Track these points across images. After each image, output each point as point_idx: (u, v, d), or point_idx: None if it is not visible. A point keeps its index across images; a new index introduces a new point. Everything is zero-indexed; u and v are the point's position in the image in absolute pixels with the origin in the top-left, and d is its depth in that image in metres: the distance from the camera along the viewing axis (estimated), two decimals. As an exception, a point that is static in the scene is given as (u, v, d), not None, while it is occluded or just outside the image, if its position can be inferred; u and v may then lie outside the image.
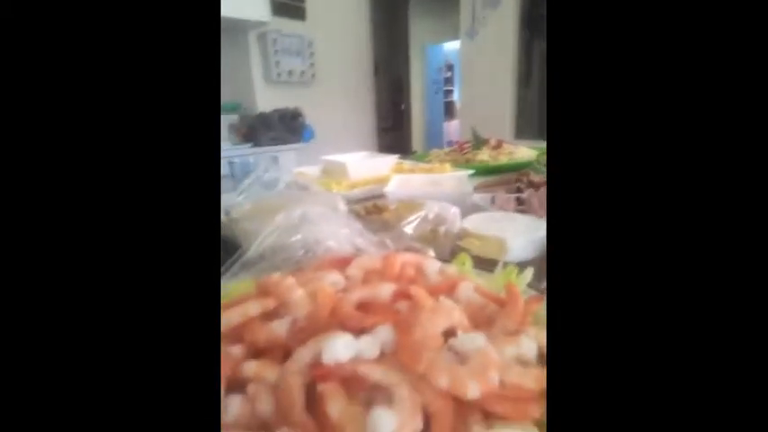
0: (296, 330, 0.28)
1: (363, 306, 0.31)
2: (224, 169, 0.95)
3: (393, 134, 3.69)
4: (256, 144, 2.17)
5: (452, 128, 4.95)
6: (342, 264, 0.38)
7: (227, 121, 2.21)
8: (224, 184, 1.02)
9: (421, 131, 4.39)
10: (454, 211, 0.56)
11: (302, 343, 0.27)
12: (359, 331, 0.28)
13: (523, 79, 2.71)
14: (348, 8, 2.93)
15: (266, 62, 2.51)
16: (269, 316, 0.30)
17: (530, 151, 1.20)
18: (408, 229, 0.49)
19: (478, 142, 1.26)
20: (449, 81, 5.16)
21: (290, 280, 0.31)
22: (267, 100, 2.49)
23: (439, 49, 4.73)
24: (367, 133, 3.27)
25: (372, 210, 0.61)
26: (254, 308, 0.30)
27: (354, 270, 0.38)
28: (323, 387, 0.23)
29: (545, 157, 1.03)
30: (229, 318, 0.29)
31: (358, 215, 0.59)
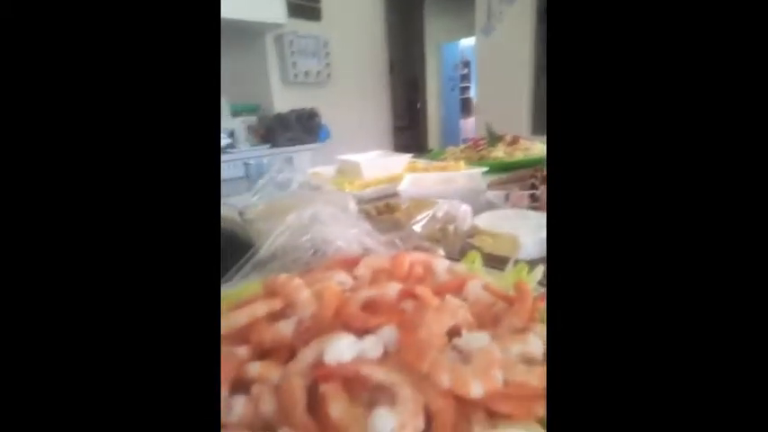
0: (301, 331, 0.29)
1: (369, 306, 0.31)
2: (240, 170, 0.97)
3: (409, 132, 3.68)
4: (274, 145, 2.19)
5: (469, 125, 4.90)
6: (350, 264, 0.38)
7: (245, 122, 2.24)
8: (239, 185, 1.04)
9: (437, 129, 4.36)
10: (465, 208, 0.56)
11: (307, 343, 0.27)
12: (364, 331, 0.28)
13: (540, 75, 2.66)
14: (363, 8, 2.94)
15: (283, 63, 2.54)
16: (276, 316, 0.31)
17: (545, 147, 1.17)
18: (418, 228, 0.49)
19: (493, 139, 1.24)
20: (465, 78, 5.11)
21: (297, 280, 0.32)
22: (284, 101, 2.52)
23: (455, 47, 4.69)
24: (383, 132, 3.27)
25: (384, 209, 0.61)
26: (260, 308, 0.30)
27: (363, 270, 0.38)
28: (325, 388, 0.23)
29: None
30: (236, 318, 0.29)
31: (369, 215, 0.59)
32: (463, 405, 0.23)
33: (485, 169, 0.87)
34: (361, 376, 0.24)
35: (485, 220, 0.57)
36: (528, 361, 0.26)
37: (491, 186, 0.77)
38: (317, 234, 0.41)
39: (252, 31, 2.37)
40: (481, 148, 1.21)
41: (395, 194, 0.74)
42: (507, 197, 0.68)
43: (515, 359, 0.25)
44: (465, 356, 0.25)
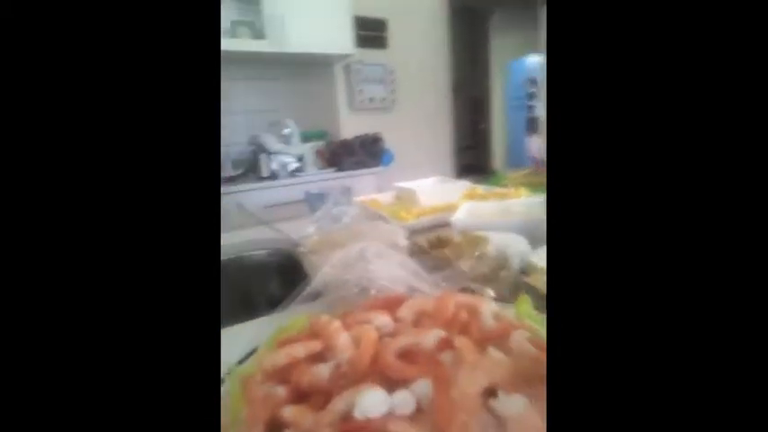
0: (337, 376, 0.29)
1: (407, 354, 0.31)
2: (301, 196, 1.02)
3: (473, 152, 3.63)
4: (340, 169, 2.28)
5: (535, 144, 4.71)
6: (393, 304, 0.38)
7: (313, 148, 2.37)
8: (299, 209, 1.10)
9: (502, 149, 4.25)
10: (520, 243, 0.53)
11: (342, 389, 0.27)
12: (398, 381, 0.27)
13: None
14: (428, 32, 2.99)
15: (350, 91, 2.66)
16: (315, 358, 0.31)
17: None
18: (467, 268, 0.48)
19: (560, 163, 1.18)
20: (532, 96, 4.95)
21: (336, 324, 0.32)
22: (350, 126, 2.62)
23: (521, 64, 4.57)
24: (445, 154, 3.26)
25: (436, 243, 0.60)
26: (300, 350, 0.31)
27: (405, 312, 0.37)
28: (351, 443, 0.23)
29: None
30: (277, 358, 0.31)
31: (421, 249, 0.59)
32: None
33: (544, 198, 0.83)
34: (389, 434, 0.23)
35: (542, 256, 0.54)
36: None
37: (553, 217, 0.73)
38: (362, 272, 0.41)
39: (322, 63, 2.52)
40: (544, 171, 1.16)
41: (448, 224, 0.73)
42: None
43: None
44: (500, 421, 0.24)
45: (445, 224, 0.76)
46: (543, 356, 0.30)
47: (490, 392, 0.25)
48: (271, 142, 1.99)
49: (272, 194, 1.94)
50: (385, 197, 1.10)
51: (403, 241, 0.56)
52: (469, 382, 0.25)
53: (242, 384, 0.30)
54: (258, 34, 2.01)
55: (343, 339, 0.31)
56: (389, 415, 0.24)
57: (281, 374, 0.31)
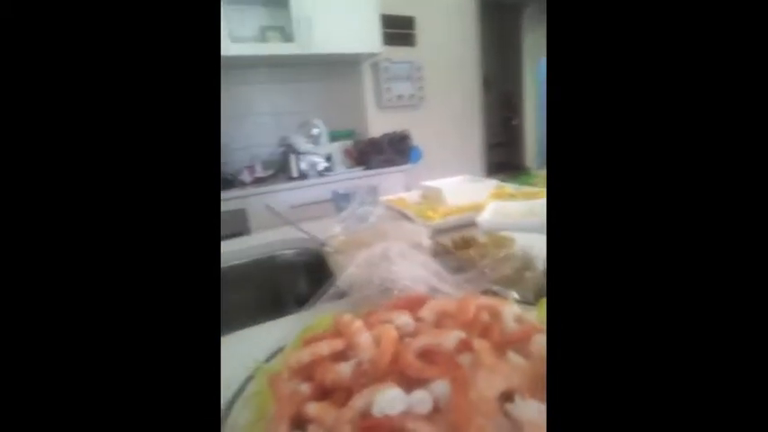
0: (359, 374, 0.30)
1: (426, 354, 0.31)
2: (328, 195, 1.04)
3: (504, 149, 3.57)
4: (368, 167, 2.30)
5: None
6: (415, 305, 0.39)
7: (341, 147, 2.40)
8: (327, 208, 1.12)
9: (534, 146, 4.15)
10: (545, 245, 0.53)
11: (363, 387, 0.28)
12: (418, 381, 0.28)
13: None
14: (457, 28, 2.96)
15: (378, 89, 2.67)
16: (338, 356, 0.32)
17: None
18: (491, 269, 0.47)
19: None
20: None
21: (358, 323, 0.33)
22: (378, 124, 2.63)
23: (555, 58, 4.44)
24: (475, 152, 3.21)
25: (461, 243, 0.60)
26: (324, 348, 0.32)
27: (427, 312, 0.38)
28: (370, 439, 0.24)
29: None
30: (302, 355, 0.32)
31: (446, 249, 0.59)
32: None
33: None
34: (407, 431, 0.24)
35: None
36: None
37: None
38: (385, 273, 0.42)
39: (350, 62, 2.54)
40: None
41: (474, 224, 0.73)
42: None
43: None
44: (517, 426, 0.24)
45: (471, 224, 0.76)
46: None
47: (507, 396, 0.26)
48: (300, 143, 2.03)
49: (302, 194, 1.99)
50: (411, 196, 1.10)
51: (426, 241, 0.57)
52: (487, 386, 0.25)
53: (269, 382, 0.32)
54: (287, 37, 2.05)
55: (364, 338, 0.32)
56: (407, 413, 0.25)
57: (306, 372, 0.32)
